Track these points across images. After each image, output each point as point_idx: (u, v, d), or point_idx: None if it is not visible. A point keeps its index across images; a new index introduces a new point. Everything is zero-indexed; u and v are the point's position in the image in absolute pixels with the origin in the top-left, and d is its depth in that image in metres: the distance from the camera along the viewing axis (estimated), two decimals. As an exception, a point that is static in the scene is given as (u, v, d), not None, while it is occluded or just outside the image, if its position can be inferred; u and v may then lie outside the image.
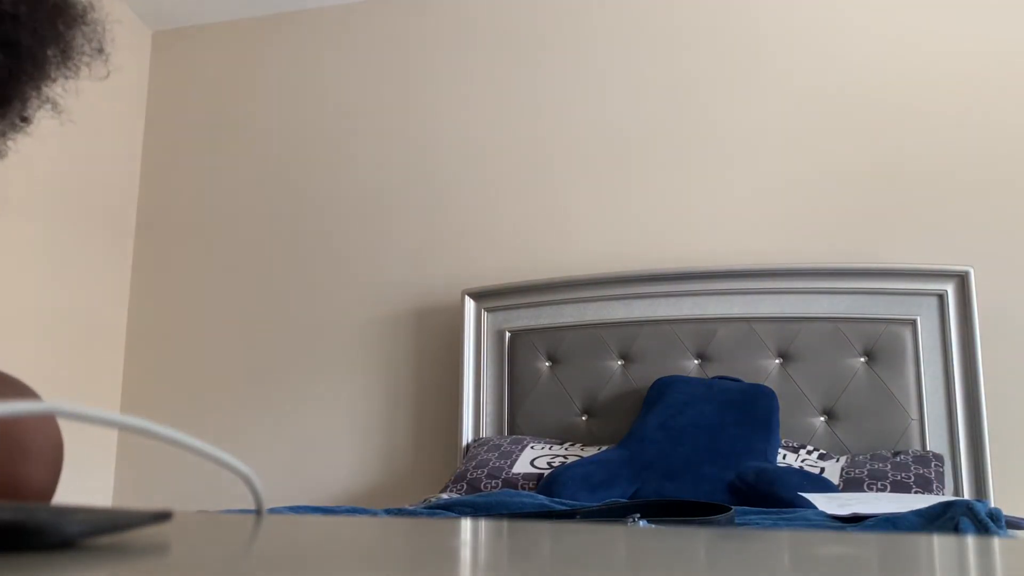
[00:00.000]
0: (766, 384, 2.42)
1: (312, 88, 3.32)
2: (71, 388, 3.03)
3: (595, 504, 1.71)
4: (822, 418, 2.42)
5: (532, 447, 2.45)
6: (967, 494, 2.29)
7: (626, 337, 2.60)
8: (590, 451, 2.39)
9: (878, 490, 2.04)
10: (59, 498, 2.94)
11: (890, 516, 1.28)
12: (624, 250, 2.86)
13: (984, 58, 2.70)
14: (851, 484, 2.08)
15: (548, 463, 2.34)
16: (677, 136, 2.90)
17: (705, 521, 1.09)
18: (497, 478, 2.33)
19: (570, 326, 2.67)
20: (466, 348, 2.75)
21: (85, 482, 3.07)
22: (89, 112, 3.20)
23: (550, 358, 2.67)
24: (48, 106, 0.69)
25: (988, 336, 2.51)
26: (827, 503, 1.73)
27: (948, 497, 1.94)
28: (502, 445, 2.48)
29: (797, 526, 1.44)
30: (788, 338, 2.47)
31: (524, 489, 2.27)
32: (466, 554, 0.29)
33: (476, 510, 1.64)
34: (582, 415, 2.61)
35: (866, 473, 2.10)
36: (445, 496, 2.22)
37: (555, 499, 1.93)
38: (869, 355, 2.42)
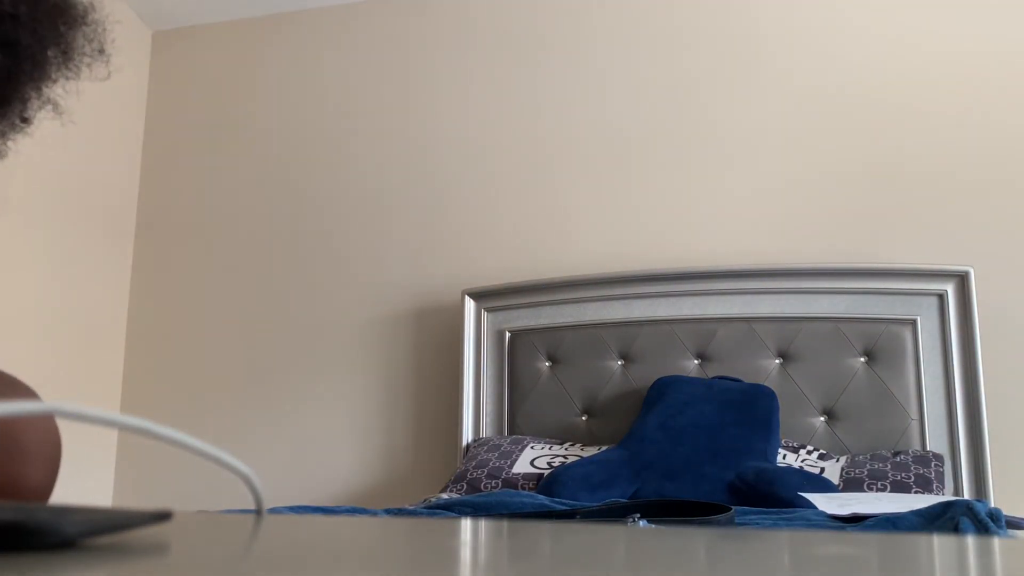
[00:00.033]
0: (766, 384, 2.42)
1: (312, 88, 3.32)
2: (71, 388, 3.03)
3: (595, 504, 1.71)
4: (822, 418, 2.42)
5: (532, 447, 2.45)
6: (967, 494, 2.29)
7: (626, 337, 2.60)
8: (590, 451, 2.39)
9: (878, 490, 2.04)
10: (59, 498, 2.94)
11: (890, 516, 1.28)
12: (624, 250, 2.86)
13: (984, 58, 2.70)
14: (851, 484, 2.08)
15: (548, 463, 2.34)
16: (677, 136, 2.90)
17: (705, 521, 1.09)
18: (497, 478, 2.33)
19: (570, 326, 2.67)
20: (466, 348, 2.75)
21: (85, 482, 3.07)
22: (89, 112, 3.20)
23: (550, 358, 2.67)
24: (49, 107, 0.69)
25: (988, 336, 2.51)
26: (827, 503, 1.73)
27: (948, 497, 1.94)
28: (502, 445, 2.48)
29: (797, 526, 1.44)
30: (788, 338, 2.48)
31: (524, 489, 2.27)
32: (466, 554, 0.29)
33: (476, 510, 1.64)
34: (582, 415, 2.61)
35: (866, 473, 2.10)
36: (445, 496, 2.22)
37: (555, 499, 1.93)
38: (869, 355, 2.42)
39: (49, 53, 0.66)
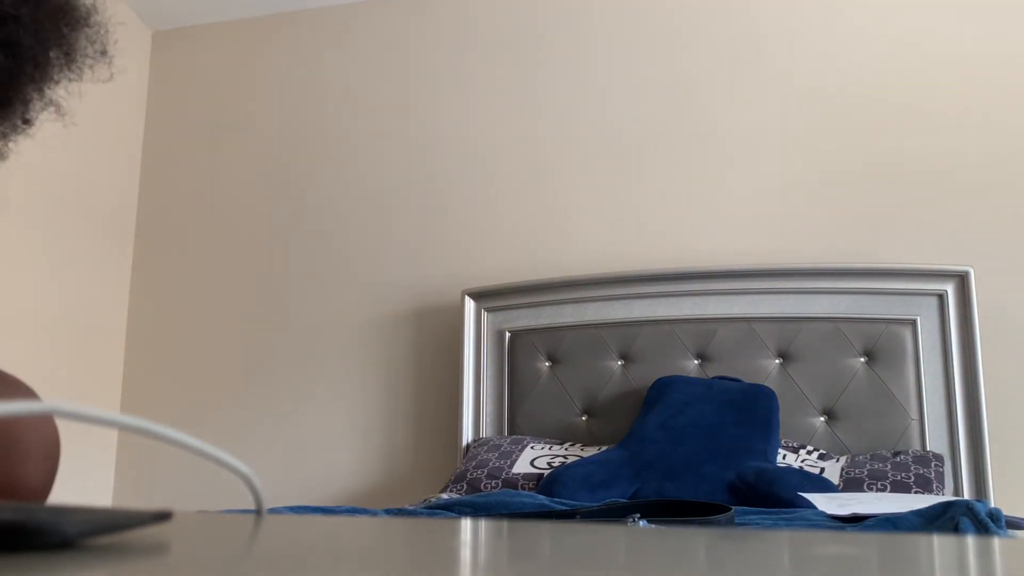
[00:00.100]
0: (766, 384, 2.42)
1: (312, 88, 3.32)
2: (71, 388, 3.03)
3: (595, 504, 1.72)
4: (822, 418, 2.42)
5: (532, 447, 2.45)
6: (967, 494, 2.29)
7: (626, 337, 2.60)
8: (590, 451, 2.39)
9: (878, 490, 2.04)
10: (59, 498, 2.94)
11: (890, 516, 1.28)
12: (624, 250, 2.86)
13: (984, 58, 2.70)
14: (851, 484, 2.08)
15: (548, 463, 2.34)
16: (677, 136, 2.90)
17: (705, 521, 1.09)
18: (497, 478, 2.33)
19: (570, 326, 2.67)
20: (466, 348, 2.75)
21: (85, 482, 3.07)
22: (89, 112, 3.20)
23: (550, 358, 2.67)
24: (51, 108, 0.69)
25: (988, 336, 2.51)
26: (827, 503, 1.73)
27: (948, 497, 1.94)
28: (502, 445, 2.48)
29: (797, 526, 1.44)
30: (788, 338, 2.48)
31: (524, 489, 2.27)
32: (466, 554, 0.29)
33: (476, 510, 1.64)
34: (582, 415, 2.61)
35: (866, 473, 2.10)
36: (445, 496, 2.22)
37: (555, 499, 1.93)
38: (869, 355, 2.42)
39: (51, 54, 0.66)
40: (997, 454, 2.44)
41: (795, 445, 2.30)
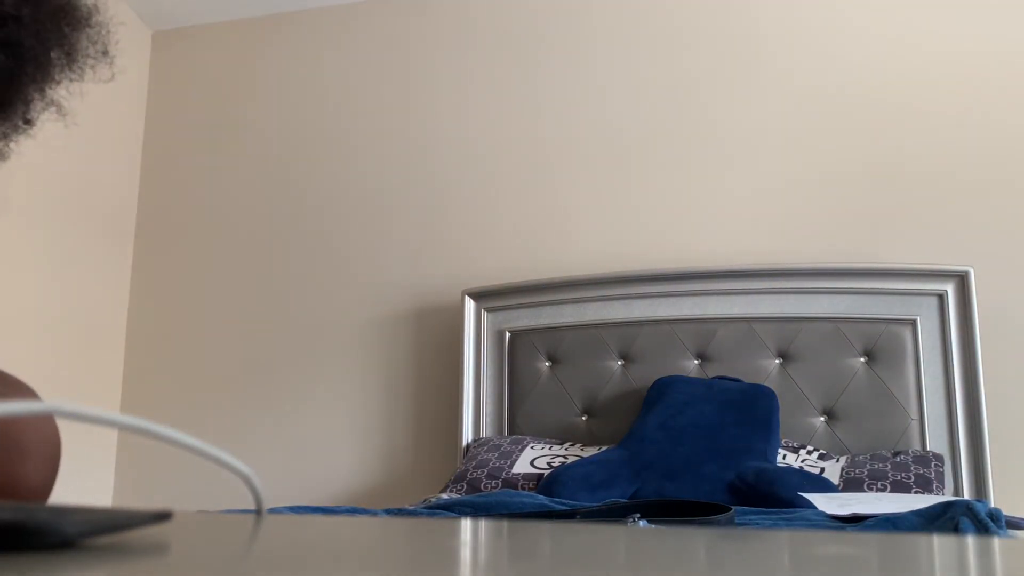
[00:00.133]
0: (766, 384, 2.42)
1: (312, 88, 3.32)
2: (71, 388, 3.03)
3: (595, 504, 1.72)
4: (822, 418, 2.42)
5: (532, 447, 2.45)
6: (967, 494, 2.29)
7: (626, 337, 2.60)
8: (590, 451, 2.39)
9: (878, 490, 2.04)
10: (59, 498, 2.94)
11: (890, 516, 1.28)
12: (624, 250, 2.86)
13: (984, 58, 2.70)
14: (851, 484, 2.08)
15: (548, 463, 2.34)
16: (677, 136, 2.90)
17: (705, 521, 1.09)
18: (497, 478, 2.33)
19: (570, 326, 2.67)
20: (466, 348, 2.75)
21: (85, 482, 3.07)
22: (89, 112, 3.20)
23: (550, 358, 2.67)
24: (52, 108, 0.69)
25: (988, 336, 2.51)
26: (827, 503, 1.73)
27: (948, 497, 1.94)
28: (502, 445, 2.48)
29: (797, 526, 1.44)
30: (788, 338, 2.48)
31: (524, 489, 2.27)
32: (466, 554, 0.29)
33: (476, 510, 1.64)
34: (582, 415, 2.61)
35: (866, 473, 2.10)
36: (445, 496, 2.22)
37: (555, 499, 1.93)
38: (869, 355, 2.42)
39: (52, 55, 0.66)
40: (997, 454, 2.44)
41: (795, 445, 2.30)
